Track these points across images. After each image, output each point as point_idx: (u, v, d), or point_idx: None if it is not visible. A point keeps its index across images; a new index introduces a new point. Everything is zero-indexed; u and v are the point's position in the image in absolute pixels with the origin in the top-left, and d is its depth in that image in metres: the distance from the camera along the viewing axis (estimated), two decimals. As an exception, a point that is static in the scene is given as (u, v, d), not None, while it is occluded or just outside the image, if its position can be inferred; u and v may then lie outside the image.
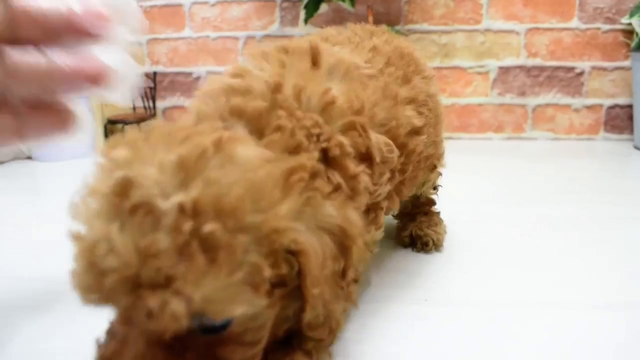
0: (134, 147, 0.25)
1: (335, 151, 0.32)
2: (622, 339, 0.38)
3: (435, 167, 0.56)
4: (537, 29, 1.26)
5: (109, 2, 0.29)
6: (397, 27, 1.28)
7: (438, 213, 0.61)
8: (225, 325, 0.25)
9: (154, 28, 1.38)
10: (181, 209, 0.22)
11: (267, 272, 0.25)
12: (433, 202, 0.60)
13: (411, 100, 0.44)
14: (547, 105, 1.29)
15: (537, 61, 1.27)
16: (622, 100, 1.26)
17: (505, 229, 0.64)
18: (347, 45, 0.44)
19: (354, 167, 0.33)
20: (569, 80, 1.27)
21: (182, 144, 0.25)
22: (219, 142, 0.25)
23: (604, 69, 1.26)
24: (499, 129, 1.30)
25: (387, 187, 0.38)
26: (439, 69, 1.29)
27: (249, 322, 0.26)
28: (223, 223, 0.23)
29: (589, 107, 1.28)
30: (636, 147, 1.18)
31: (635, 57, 1.15)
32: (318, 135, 0.32)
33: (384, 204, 0.39)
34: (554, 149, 1.22)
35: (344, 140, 0.33)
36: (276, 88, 0.32)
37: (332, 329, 0.32)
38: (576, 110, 1.28)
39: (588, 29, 1.25)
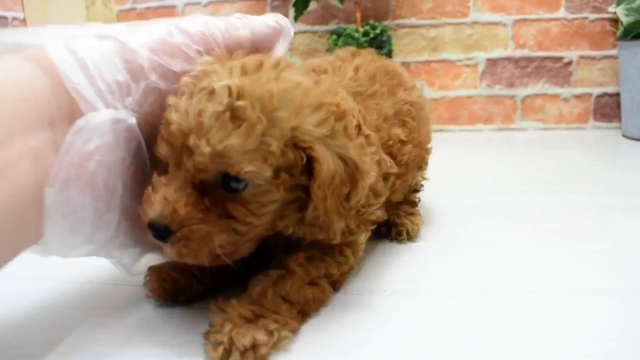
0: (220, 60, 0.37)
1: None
2: (608, 325, 0.38)
3: (421, 166, 0.59)
4: (524, 20, 1.27)
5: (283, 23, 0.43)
6: (386, 22, 1.29)
7: (417, 203, 0.62)
8: (239, 189, 0.34)
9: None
10: (228, 89, 0.33)
11: (276, 151, 0.34)
12: (416, 191, 0.62)
13: (397, 113, 0.51)
14: (536, 95, 1.30)
15: (525, 52, 1.28)
16: (610, 89, 1.27)
17: (493, 220, 0.64)
18: (331, 71, 0.50)
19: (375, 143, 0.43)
20: (557, 70, 1.28)
21: (251, 59, 0.36)
22: (277, 63, 0.36)
23: (592, 58, 1.27)
24: (489, 120, 1.32)
25: (382, 199, 0.45)
26: (427, 62, 1.31)
27: (259, 195, 0.35)
28: (252, 105, 0.33)
29: (578, 97, 1.29)
30: (624, 136, 1.19)
31: (621, 46, 1.16)
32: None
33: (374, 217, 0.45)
34: (543, 139, 1.23)
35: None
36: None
37: (329, 236, 0.39)
38: (565, 100, 1.29)
39: (575, 18, 1.26)
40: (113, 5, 1.40)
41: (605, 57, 1.27)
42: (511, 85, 1.30)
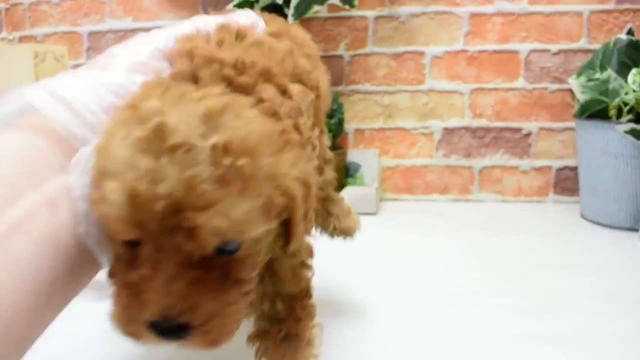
0: (160, 100, 0.30)
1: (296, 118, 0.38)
2: None
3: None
4: (482, 89, 1.23)
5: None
6: (339, 88, 1.25)
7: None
8: (237, 248, 0.30)
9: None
10: (216, 147, 0.27)
11: (275, 201, 0.30)
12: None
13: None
14: (494, 166, 1.25)
15: (483, 122, 1.23)
16: (572, 162, 1.22)
17: (438, 297, 0.64)
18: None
19: (306, 128, 0.39)
20: (516, 141, 1.23)
21: (202, 100, 0.30)
22: (232, 102, 0.30)
23: (553, 130, 1.22)
24: (445, 191, 1.27)
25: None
26: (382, 129, 1.26)
27: (254, 246, 0.31)
28: (249, 159, 0.28)
29: (538, 169, 1.24)
30: (582, 217, 1.14)
31: (578, 124, 1.12)
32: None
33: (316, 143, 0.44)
34: (501, 212, 1.18)
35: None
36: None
37: (309, 252, 0.44)
38: (524, 172, 1.24)
39: (535, 88, 1.22)
40: (66, 60, 1.35)
41: (566, 129, 1.22)
42: (468, 155, 1.25)
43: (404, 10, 1.23)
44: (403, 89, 1.24)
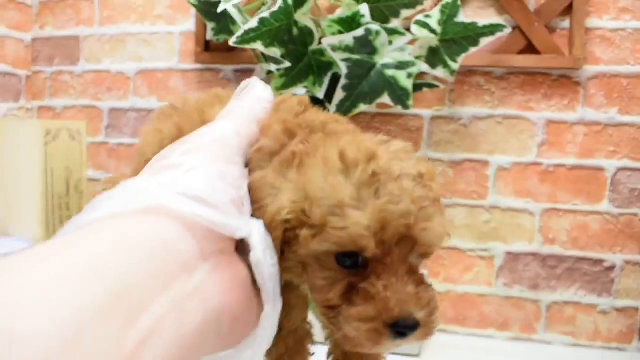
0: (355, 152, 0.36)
1: None
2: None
3: None
4: (557, 210, 1.03)
5: None
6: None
7: None
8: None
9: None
10: (422, 175, 0.35)
11: None
12: None
13: None
14: (566, 303, 1.03)
15: (556, 249, 1.03)
16: (663, 305, 1.00)
17: None
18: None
19: None
20: (596, 275, 1.02)
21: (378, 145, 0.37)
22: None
23: (641, 265, 1.01)
24: (504, 327, 1.06)
25: None
26: (432, 247, 1.07)
27: None
28: (437, 185, 0.37)
29: (620, 310, 1.02)
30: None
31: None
32: None
33: None
34: (573, 358, 0.98)
35: None
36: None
37: None
38: (603, 313, 1.03)
39: (622, 214, 1.01)
40: (84, 137, 1.21)
41: (658, 264, 1.00)
42: (535, 287, 1.04)
43: (466, 111, 1.05)
44: (461, 202, 1.05)
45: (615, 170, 1.01)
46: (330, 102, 0.94)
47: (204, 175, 0.32)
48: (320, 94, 0.95)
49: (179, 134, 0.41)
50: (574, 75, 1.02)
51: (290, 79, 0.94)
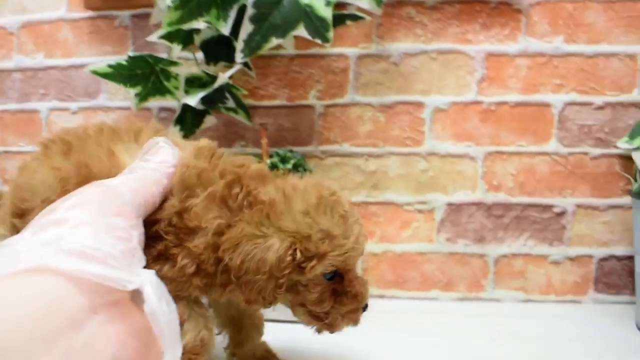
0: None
1: None
2: None
3: None
4: (500, 152, 0.92)
5: None
6: (308, 148, 0.95)
7: None
8: None
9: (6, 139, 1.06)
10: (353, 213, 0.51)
11: None
12: None
13: None
14: (515, 255, 0.94)
15: (501, 196, 0.93)
16: (619, 251, 0.92)
17: None
18: None
19: None
20: (545, 222, 0.93)
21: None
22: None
23: (594, 208, 0.92)
24: (449, 287, 0.96)
25: None
26: (365, 204, 0.96)
27: None
28: None
29: (574, 259, 0.93)
30: (638, 327, 0.83)
31: (636, 204, 0.81)
32: None
33: None
34: (524, 315, 0.89)
35: None
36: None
37: None
38: (555, 263, 0.94)
39: (571, 153, 0.91)
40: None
41: (612, 206, 0.91)
42: (480, 240, 0.94)
43: (396, 47, 0.93)
44: (394, 151, 0.94)
45: (562, 105, 0.91)
46: (236, 39, 0.80)
47: (91, 230, 0.32)
48: (226, 29, 0.81)
49: (85, 172, 0.45)
50: (515, 2, 0.90)
51: (187, 12, 0.79)
